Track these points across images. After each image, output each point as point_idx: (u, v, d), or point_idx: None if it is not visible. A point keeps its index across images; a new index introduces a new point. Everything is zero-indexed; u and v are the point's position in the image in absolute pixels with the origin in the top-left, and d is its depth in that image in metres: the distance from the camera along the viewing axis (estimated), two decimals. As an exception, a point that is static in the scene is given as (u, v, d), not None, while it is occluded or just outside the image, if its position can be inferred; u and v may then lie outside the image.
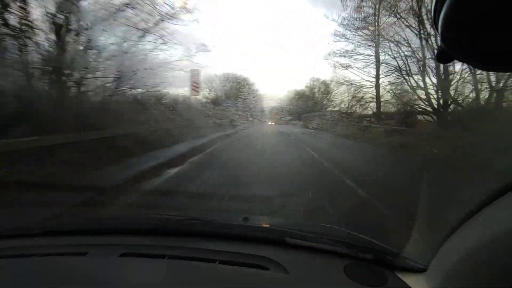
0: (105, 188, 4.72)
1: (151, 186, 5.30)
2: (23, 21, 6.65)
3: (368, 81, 17.90)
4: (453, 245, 0.85)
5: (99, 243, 1.18)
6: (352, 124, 18.89)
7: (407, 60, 14.38)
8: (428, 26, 12.78)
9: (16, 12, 6.57)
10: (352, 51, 17.69)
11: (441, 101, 13.14)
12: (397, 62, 15.04)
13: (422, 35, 13.24)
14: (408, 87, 14.77)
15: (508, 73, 9.15)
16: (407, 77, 14.53)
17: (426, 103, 13.71)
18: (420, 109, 14.32)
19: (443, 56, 0.52)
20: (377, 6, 15.76)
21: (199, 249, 1.08)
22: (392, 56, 15.33)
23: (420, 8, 13.03)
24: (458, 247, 0.81)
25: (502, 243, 0.65)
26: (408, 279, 0.94)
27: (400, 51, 14.64)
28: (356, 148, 12.31)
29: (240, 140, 14.57)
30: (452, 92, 12.77)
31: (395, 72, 15.48)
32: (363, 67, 17.72)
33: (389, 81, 16.76)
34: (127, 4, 8.57)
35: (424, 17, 12.86)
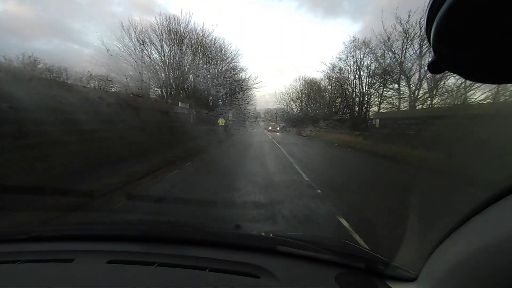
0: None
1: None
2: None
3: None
4: (443, 255, 0.85)
5: (86, 249, 1.15)
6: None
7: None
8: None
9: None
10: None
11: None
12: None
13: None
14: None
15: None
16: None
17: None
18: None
19: (435, 67, 0.53)
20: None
21: (189, 257, 1.06)
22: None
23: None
24: (448, 257, 0.82)
25: (491, 252, 0.66)
26: None
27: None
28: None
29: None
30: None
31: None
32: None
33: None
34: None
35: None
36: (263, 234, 1.37)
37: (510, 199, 0.68)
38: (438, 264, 0.85)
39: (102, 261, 1.02)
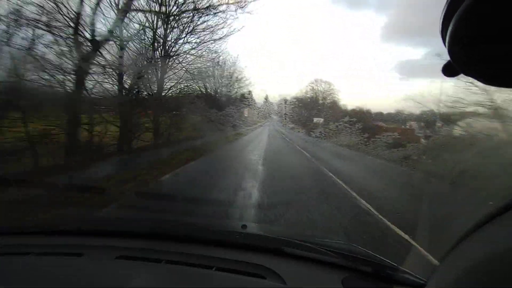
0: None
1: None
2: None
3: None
4: (453, 262, 0.83)
5: (95, 245, 1.17)
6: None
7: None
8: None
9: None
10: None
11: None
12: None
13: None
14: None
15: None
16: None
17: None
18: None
19: (449, 70, 0.52)
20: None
21: (196, 255, 1.07)
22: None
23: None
24: (458, 264, 0.80)
25: (504, 260, 0.64)
26: None
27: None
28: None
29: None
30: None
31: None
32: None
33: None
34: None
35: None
36: (269, 234, 1.36)
37: None
38: (448, 271, 0.83)
39: (111, 257, 1.03)
